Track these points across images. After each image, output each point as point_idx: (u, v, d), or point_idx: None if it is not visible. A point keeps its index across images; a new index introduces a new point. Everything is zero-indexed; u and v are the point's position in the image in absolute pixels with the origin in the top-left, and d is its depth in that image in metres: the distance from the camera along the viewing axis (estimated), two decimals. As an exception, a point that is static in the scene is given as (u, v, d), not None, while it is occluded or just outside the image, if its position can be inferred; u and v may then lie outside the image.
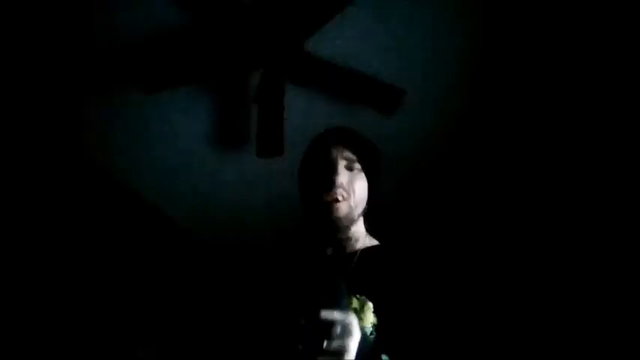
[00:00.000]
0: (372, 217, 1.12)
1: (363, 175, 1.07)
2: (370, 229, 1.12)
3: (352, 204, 1.03)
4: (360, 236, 1.08)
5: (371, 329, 0.90)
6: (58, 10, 1.64)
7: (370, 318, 0.92)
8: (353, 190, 1.03)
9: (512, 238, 2.20)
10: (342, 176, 1.02)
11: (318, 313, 0.73)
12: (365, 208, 1.07)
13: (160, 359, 2.17)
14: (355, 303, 0.93)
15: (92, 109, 2.04)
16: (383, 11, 1.64)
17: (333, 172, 1.02)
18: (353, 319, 0.75)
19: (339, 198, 1.00)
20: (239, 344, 1.02)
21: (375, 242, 1.11)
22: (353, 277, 0.96)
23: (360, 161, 1.07)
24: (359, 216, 1.06)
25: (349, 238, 1.05)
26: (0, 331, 1.71)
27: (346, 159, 1.05)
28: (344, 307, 0.77)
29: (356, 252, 1.04)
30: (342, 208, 1.01)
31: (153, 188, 2.53)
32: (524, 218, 2.20)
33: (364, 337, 0.78)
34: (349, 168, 1.05)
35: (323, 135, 1.12)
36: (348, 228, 1.04)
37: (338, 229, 1.02)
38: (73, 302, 1.99)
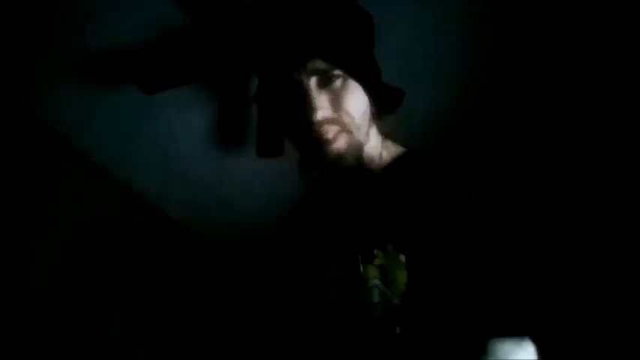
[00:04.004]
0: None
1: (349, 81, 0.74)
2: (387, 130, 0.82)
3: (350, 132, 0.74)
4: (375, 152, 0.79)
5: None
6: (58, 10, 1.64)
7: (403, 278, 0.65)
8: (342, 112, 0.73)
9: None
10: (320, 105, 0.71)
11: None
12: (372, 116, 0.79)
13: (160, 359, 2.17)
14: (381, 259, 0.68)
15: (92, 109, 2.05)
16: (383, 11, 1.64)
17: (304, 104, 0.71)
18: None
19: (329, 136, 0.72)
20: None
21: (399, 150, 0.82)
22: (371, 217, 0.72)
23: (338, 64, 0.72)
24: (368, 131, 0.78)
25: (361, 164, 0.76)
26: None
27: (315, 73, 0.72)
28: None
29: (372, 175, 0.77)
30: (340, 145, 0.72)
31: (153, 188, 2.54)
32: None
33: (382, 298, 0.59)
34: (325, 83, 0.73)
35: (278, 51, 0.77)
36: (359, 154, 0.75)
37: (347, 165, 0.73)
38: (72, 301, 1.99)
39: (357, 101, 0.75)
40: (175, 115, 2.09)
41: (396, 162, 0.78)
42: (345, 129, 0.73)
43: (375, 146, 0.80)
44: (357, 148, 0.74)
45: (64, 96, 1.97)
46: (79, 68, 1.86)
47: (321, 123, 0.71)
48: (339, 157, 0.72)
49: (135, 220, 2.46)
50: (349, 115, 0.73)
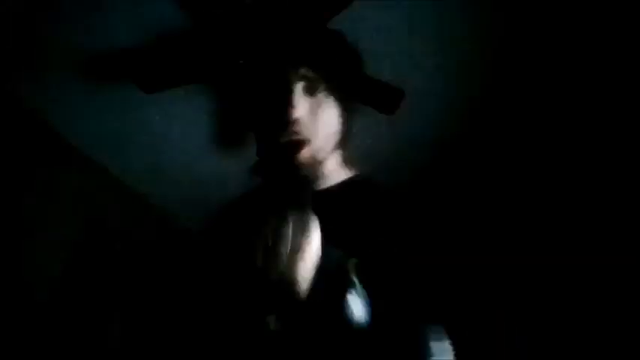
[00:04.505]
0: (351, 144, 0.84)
1: (331, 98, 0.78)
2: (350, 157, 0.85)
3: (316, 146, 0.75)
4: (332, 170, 0.81)
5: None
6: (58, 10, 1.64)
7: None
8: (316, 124, 0.75)
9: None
10: (299, 107, 0.74)
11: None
12: (339, 140, 0.80)
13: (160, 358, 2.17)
14: None
15: (92, 108, 2.05)
16: (383, 11, 1.64)
17: (285, 103, 0.74)
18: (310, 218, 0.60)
19: (297, 139, 0.73)
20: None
21: (350, 175, 0.83)
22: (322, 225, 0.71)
23: (325, 79, 0.77)
24: (330, 152, 0.80)
25: (317, 177, 0.79)
26: None
27: (304, 79, 0.76)
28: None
29: (323, 191, 0.78)
30: (303, 154, 0.74)
31: (153, 188, 2.54)
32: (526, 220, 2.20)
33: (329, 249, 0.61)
34: (309, 92, 0.76)
35: (271, 47, 0.83)
36: (315, 169, 0.77)
37: (301, 174, 0.76)
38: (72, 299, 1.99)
39: (332, 119, 0.78)
40: (176, 115, 2.09)
41: (343, 186, 0.78)
42: (311, 140, 0.74)
43: (332, 168, 0.81)
44: (316, 163, 0.76)
45: (64, 96, 1.98)
46: (80, 68, 1.86)
47: (294, 123, 0.72)
48: (297, 165, 0.73)
49: (134, 220, 2.46)
50: (320, 128, 0.75)
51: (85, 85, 1.92)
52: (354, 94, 0.81)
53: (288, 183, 0.76)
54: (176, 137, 2.22)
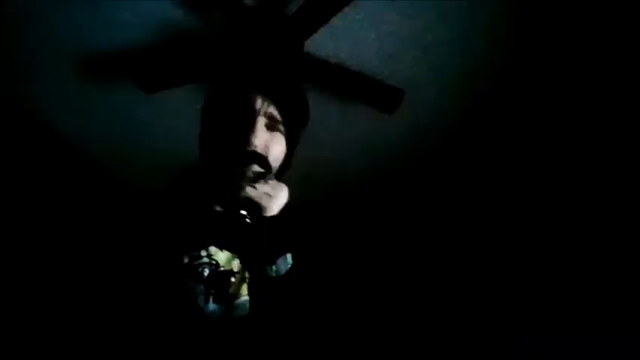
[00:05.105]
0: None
1: (283, 138, 0.86)
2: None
3: (268, 174, 0.81)
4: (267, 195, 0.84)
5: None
6: (58, 10, 1.64)
7: (244, 291, 0.78)
8: (268, 155, 0.83)
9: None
10: (259, 136, 0.81)
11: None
12: (272, 175, 0.84)
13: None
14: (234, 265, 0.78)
15: (93, 108, 2.05)
16: (384, 10, 1.64)
17: (249, 128, 0.81)
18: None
19: (250, 173, 0.78)
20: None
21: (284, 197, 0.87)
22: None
23: (284, 123, 0.86)
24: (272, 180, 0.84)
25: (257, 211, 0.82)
26: None
27: (269, 117, 0.84)
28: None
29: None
30: (253, 189, 0.77)
31: (153, 188, 2.54)
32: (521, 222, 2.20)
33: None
34: (270, 127, 0.84)
35: (247, 73, 0.92)
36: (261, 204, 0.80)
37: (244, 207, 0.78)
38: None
39: (279, 154, 0.85)
40: (176, 115, 2.09)
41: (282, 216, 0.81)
42: (264, 172, 0.79)
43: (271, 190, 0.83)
44: (265, 197, 0.77)
45: (64, 96, 1.98)
46: (80, 68, 1.86)
47: (252, 145, 0.79)
48: (245, 198, 0.76)
49: (135, 220, 2.46)
50: (273, 158, 0.83)
51: (86, 86, 1.92)
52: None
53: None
54: (177, 137, 2.21)
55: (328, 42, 1.70)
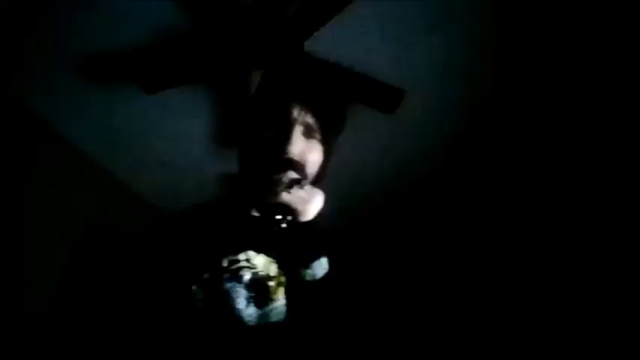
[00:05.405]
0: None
1: (319, 146, 0.87)
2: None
3: (304, 181, 0.84)
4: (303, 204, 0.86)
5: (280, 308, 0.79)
6: (58, 10, 1.64)
7: (280, 295, 0.79)
8: (305, 163, 0.84)
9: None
10: (296, 144, 0.83)
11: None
12: (308, 181, 0.86)
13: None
14: (273, 270, 0.80)
15: (92, 108, 2.05)
16: (383, 11, 1.64)
17: (286, 136, 0.83)
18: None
19: (285, 179, 0.80)
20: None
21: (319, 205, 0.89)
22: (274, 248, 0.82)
23: (322, 132, 0.88)
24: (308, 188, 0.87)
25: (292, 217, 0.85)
26: None
27: (306, 126, 0.86)
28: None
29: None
30: (288, 194, 0.80)
31: (153, 188, 2.54)
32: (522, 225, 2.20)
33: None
34: (307, 135, 0.86)
35: (284, 84, 0.95)
36: (296, 209, 0.82)
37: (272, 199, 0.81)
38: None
39: (315, 162, 0.86)
40: (177, 115, 2.09)
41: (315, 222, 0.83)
42: (300, 178, 0.81)
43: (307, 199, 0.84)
44: (301, 202, 0.80)
45: (64, 95, 1.98)
46: (80, 68, 1.86)
47: (289, 153, 0.80)
48: (281, 203, 0.79)
49: (135, 220, 2.46)
50: (309, 165, 0.84)
51: (85, 86, 1.92)
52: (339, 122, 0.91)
53: (269, 216, 0.81)
54: (177, 137, 2.22)
55: (328, 42, 1.69)
